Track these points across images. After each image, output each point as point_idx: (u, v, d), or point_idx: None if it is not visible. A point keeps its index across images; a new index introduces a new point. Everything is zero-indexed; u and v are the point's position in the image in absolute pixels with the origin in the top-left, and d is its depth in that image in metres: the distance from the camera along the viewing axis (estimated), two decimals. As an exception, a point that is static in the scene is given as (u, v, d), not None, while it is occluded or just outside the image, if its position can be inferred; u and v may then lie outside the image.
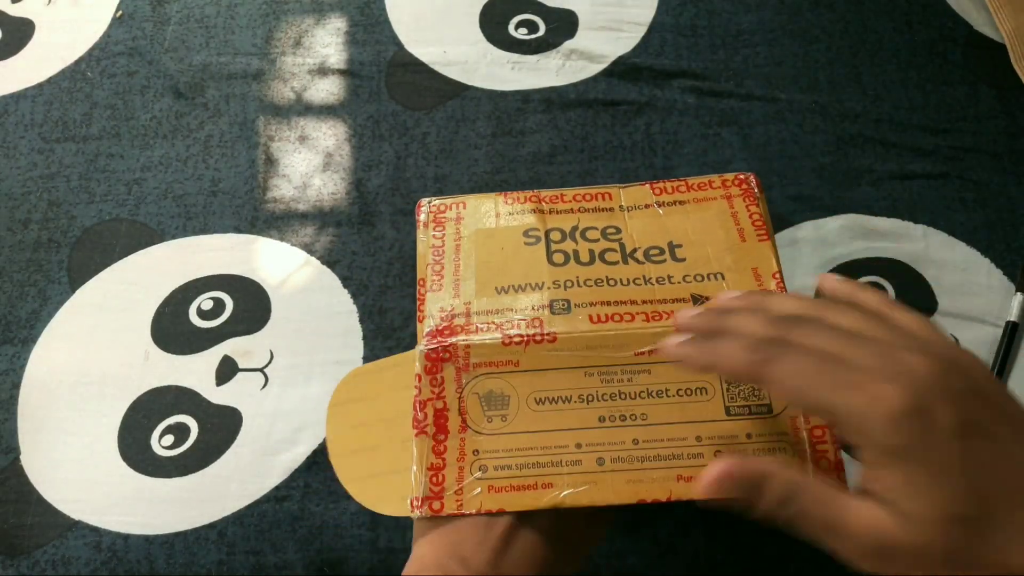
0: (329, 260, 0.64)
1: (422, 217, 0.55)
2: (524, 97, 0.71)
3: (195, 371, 0.60)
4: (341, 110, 0.72)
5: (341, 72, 0.74)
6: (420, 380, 0.46)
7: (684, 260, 0.51)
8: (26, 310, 0.63)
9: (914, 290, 0.62)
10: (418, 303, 0.52)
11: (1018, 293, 0.61)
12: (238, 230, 0.66)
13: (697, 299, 0.48)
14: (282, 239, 0.65)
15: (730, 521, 0.54)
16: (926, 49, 0.74)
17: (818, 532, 0.33)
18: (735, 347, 0.35)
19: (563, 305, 0.48)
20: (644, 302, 0.48)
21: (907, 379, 0.31)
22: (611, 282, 0.50)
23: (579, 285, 0.49)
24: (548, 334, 0.47)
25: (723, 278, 0.49)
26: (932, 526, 0.30)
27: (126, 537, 0.54)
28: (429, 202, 0.55)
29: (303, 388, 0.59)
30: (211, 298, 0.63)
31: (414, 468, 0.44)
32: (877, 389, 0.31)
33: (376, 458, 0.46)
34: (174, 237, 0.66)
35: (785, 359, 0.33)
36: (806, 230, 0.64)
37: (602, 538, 0.46)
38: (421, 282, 0.52)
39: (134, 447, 0.57)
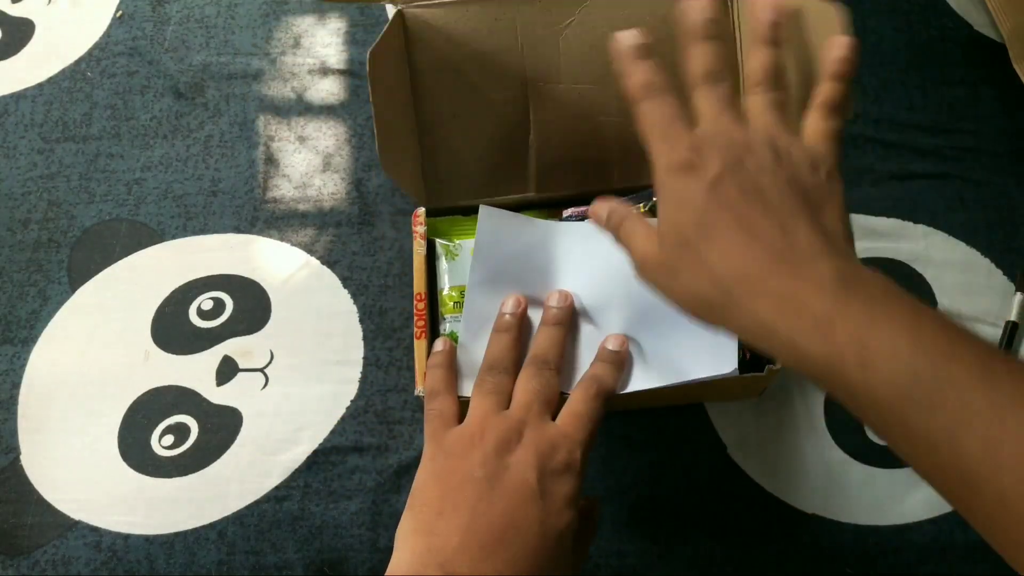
0: (329, 260, 0.64)
1: (419, 229, 0.55)
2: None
3: (195, 371, 0.60)
4: (341, 110, 0.72)
5: (341, 72, 0.74)
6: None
7: None
8: (26, 310, 0.63)
9: (914, 290, 0.62)
10: (416, 318, 0.52)
11: (1018, 293, 0.61)
12: (238, 230, 0.66)
13: None
14: (282, 239, 0.65)
15: (730, 521, 0.54)
16: (926, 49, 0.73)
17: (623, 246, 0.42)
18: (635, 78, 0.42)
19: None
20: None
21: (701, 140, 0.39)
22: None
23: None
24: None
25: None
26: (667, 242, 0.39)
27: (126, 537, 0.54)
28: (425, 212, 0.55)
29: (303, 388, 0.59)
30: (211, 298, 0.63)
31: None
32: (676, 145, 0.39)
33: None
34: (174, 237, 0.66)
35: (649, 103, 0.41)
36: (806, 230, 0.64)
37: (584, 558, 0.47)
38: (419, 296, 0.52)
39: (134, 447, 0.57)
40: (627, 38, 0.42)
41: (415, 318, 0.52)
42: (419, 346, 0.51)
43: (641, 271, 0.41)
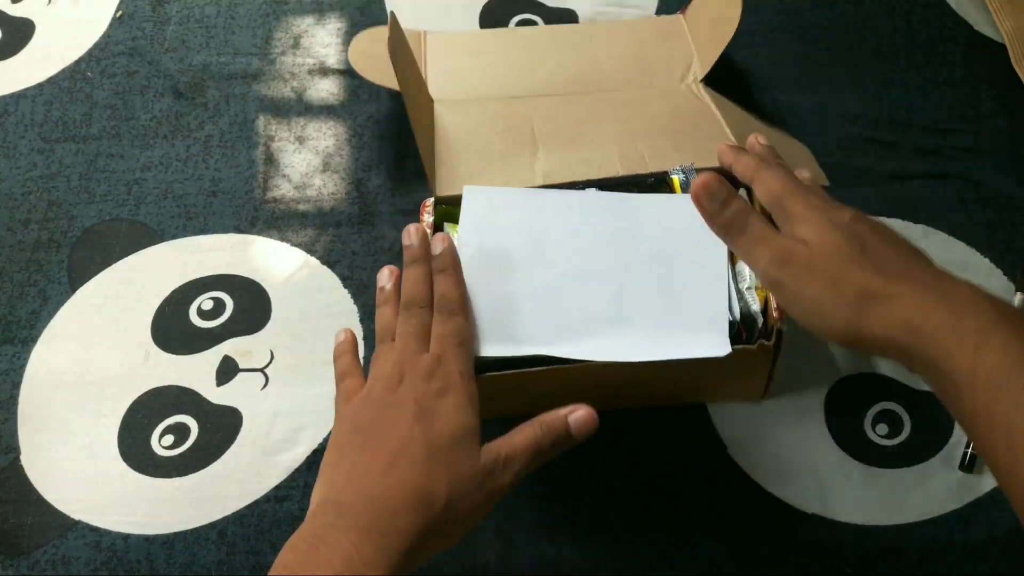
0: (329, 260, 0.64)
1: (427, 218, 0.55)
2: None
3: (195, 371, 0.60)
4: (341, 110, 0.72)
5: (341, 72, 0.74)
6: None
7: None
8: (26, 310, 0.63)
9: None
10: None
11: (1018, 293, 0.61)
12: (238, 230, 0.66)
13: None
14: (282, 239, 0.65)
15: (730, 521, 0.54)
16: (926, 49, 0.74)
17: (750, 242, 0.44)
18: (751, 159, 0.50)
19: None
20: None
21: (834, 201, 0.46)
22: None
23: None
24: None
25: None
26: (815, 247, 0.43)
27: (126, 537, 0.54)
28: (434, 202, 0.56)
29: (303, 388, 0.59)
30: (211, 298, 0.63)
31: None
32: (811, 194, 0.46)
33: None
34: (174, 237, 0.66)
35: (771, 170, 0.48)
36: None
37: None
38: None
39: (134, 447, 0.57)
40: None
41: None
42: None
43: (778, 267, 0.43)
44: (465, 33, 0.73)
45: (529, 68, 0.69)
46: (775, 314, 0.51)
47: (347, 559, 0.39)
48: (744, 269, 0.53)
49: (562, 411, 0.46)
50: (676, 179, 0.56)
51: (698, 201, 0.46)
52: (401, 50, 0.56)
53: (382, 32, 0.56)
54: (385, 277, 0.53)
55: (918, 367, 0.39)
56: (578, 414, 0.45)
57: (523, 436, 0.45)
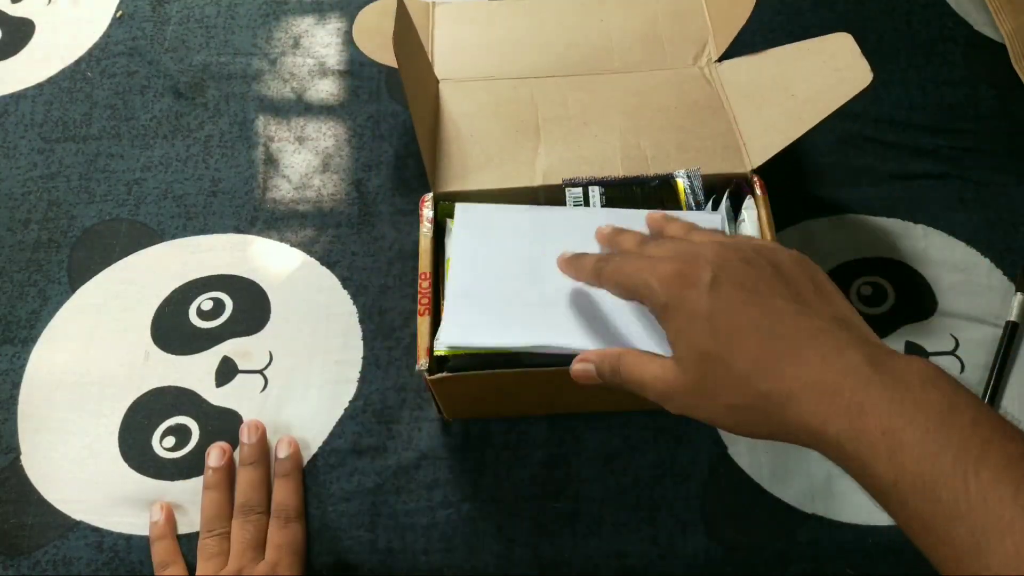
0: (329, 260, 0.64)
1: (426, 213, 0.55)
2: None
3: (195, 372, 0.60)
4: (341, 110, 0.72)
5: (341, 72, 0.74)
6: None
7: None
8: (26, 310, 0.63)
9: (914, 290, 0.62)
10: (419, 296, 0.52)
11: (1018, 293, 0.61)
12: (238, 230, 0.66)
13: None
14: (282, 239, 0.65)
15: (730, 521, 0.54)
16: (926, 49, 0.73)
17: (635, 389, 0.41)
18: (589, 260, 0.45)
19: None
20: None
21: (683, 255, 0.40)
22: None
23: None
24: None
25: None
26: (688, 364, 0.38)
27: (128, 538, 0.54)
28: (433, 197, 0.56)
29: (302, 390, 0.59)
30: (211, 298, 0.63)
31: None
32: (660, 265, 0.40)
33: None
34: (174, 237, 0.66)
35: (611, 263, 0.43)
36: (806, 230, 0.64)
37: None
38: (423, 275, 0.53)
39: (135, 448, 0.57)
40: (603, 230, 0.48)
41: (419, 296, 0.52)
42: (422, 322, 0.51)
43: (669, 402, 0.40)
44: (474, 4, 0.70)
45: (538, 45, 0.67)
46: None
47: None
48: None
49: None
50: (680, 183, 0.56)
51: (583, 384, 0.44)
52: (406, 41, 0.55)
53: (388, 6, 0.55)
54: (215, 457, 0.55)
55: (839, 466, 0.35)
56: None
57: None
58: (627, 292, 0.42)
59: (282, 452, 0.55)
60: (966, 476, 0.30)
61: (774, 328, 0.37)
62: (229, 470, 0.55)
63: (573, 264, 0.47)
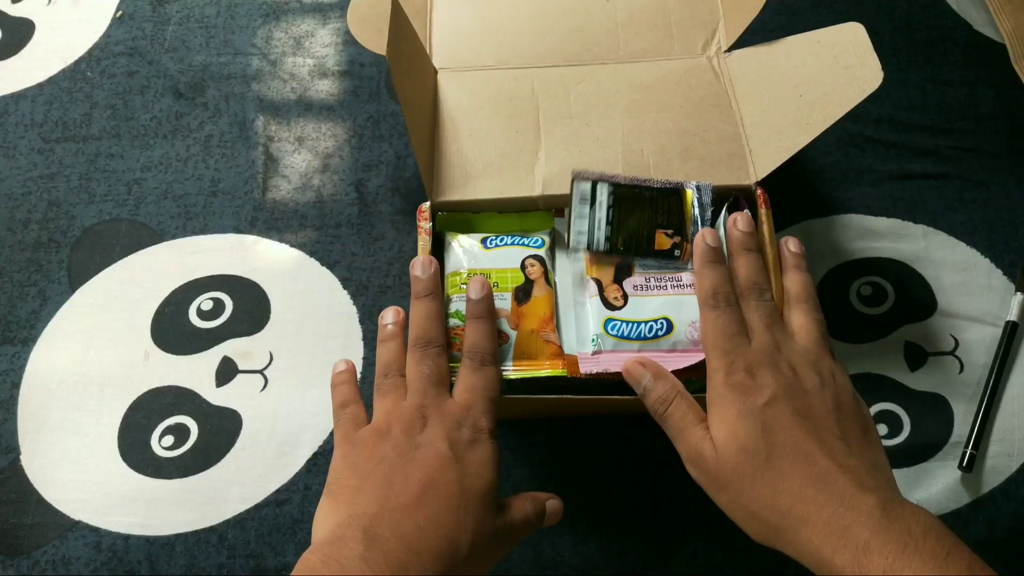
0: (329, 261, 0.64)
1: (424, 225, 0.55)
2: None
3: (195, 372, 0.60)
4: (341, 110, 0.72)
5: (341, 72, 0.74)
6: None
7: None
8: (26, 310, 0.63)
9: (914, 290, 0.62)
10: None
11: (1018, 293, 0.61)
12: (238, 230, 0.66)
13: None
14: (282, 239, 0.65)
15: (730, 521, 0.54)
16: (926, 49, 0.73)
17: (672, 434, 0.46)
18: (708, 283, 0.50)
19: None
20: None
21: (760, 358, 0.45)
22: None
23: None
24: None
25: None
26: (724, 451, 0.42)
27: (126, 538, 0.55)
28: (430, 207, 0.55)
29: (303, 390, 0.59)
30: (211, 298, 0.63)
31: None
32: (737, 359, 0.45)
33: None
34: (174, 237, 0.66)
35: (716, 313, 0.48)
36: (806, 230, 0.64)
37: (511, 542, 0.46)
38: None
39: (134, 447, 0.57)
40: (708, 238, 0.50)
41: None
42: None
43: (694, 470, 0.45)
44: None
45: (541, 28, 0.65)
46: None
47: None
48: None
49: (541, 497, 0.47)
50: (689, 193, 0.55)
51: (629, 382, 0.48)
52: (401, 47, 0.55)
53: None
54: (390, 316, 0.51)
55: None
56: (552, 504, 0.47)
57: (522, 514, 0.45)
58: (706, 346, 0.47)
59: (474, 294, 0.50)
60: None
61: (811, 455, 0.41)
62: (403, 327, 0.51)
63: (703, 272, 0.50)
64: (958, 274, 0.63)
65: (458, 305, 0.51)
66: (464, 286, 0.52)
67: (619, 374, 0.49)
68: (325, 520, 0.43)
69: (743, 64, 0.62)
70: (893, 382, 0.59)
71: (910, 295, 0.62)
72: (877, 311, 0.61)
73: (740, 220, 0.52)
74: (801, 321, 0.48)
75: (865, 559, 0.37)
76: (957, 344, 0.60)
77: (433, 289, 0.50)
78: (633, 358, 0.48)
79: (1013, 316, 0.60)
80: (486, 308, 0.50)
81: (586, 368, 0.50)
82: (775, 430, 0.42)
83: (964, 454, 0.56)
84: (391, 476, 0.43)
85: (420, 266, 0.51)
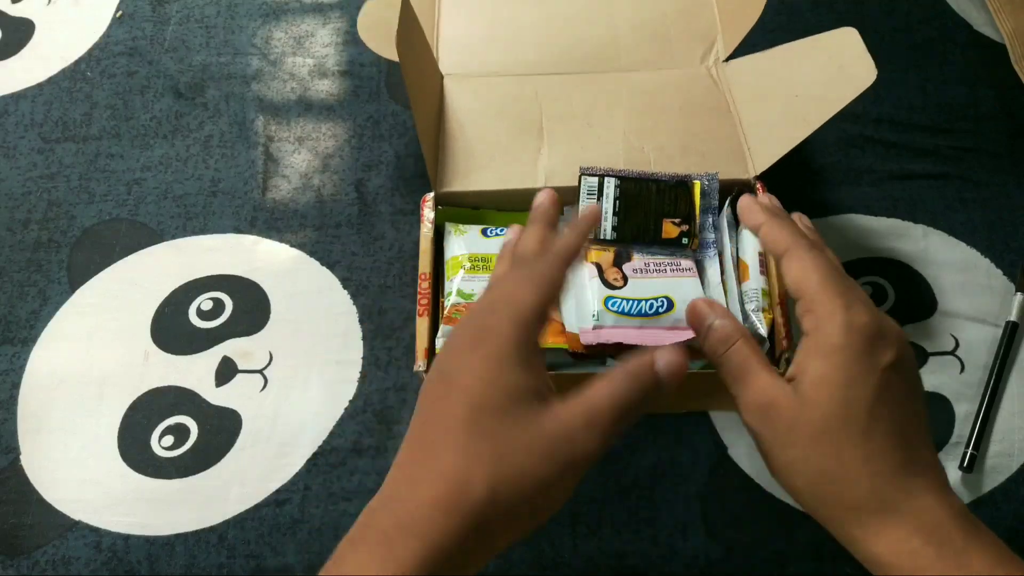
0: (329, 260, 0.64)
1: (427, 213, 0.55)
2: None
3: (195, 372, 0.60)
4: (341, 110, 0.72)
5: (341, 72, 0.74)
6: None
7: None
8: (26, 310, 0.63)
9: (914, 290, 0.62)
10: (419, 297, 0.52)
11: (1018, 293, 0.61)
12: (238, 230, 0.66)
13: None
14: (282, 239, 0.65)
15: (730, 521, 0.54)
16: (926, 49, 0.73)
17: (732, 376, 0.40)
18: (790, 228, 0.43)
19: None
20: None
21: (876, 313, 0.39)
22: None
23: None
24: None
25: None
26: (811, 401, 0.37)
27: (126, 538, 0.54)
28: (434, 197, 0.56)
29: (302, 390, 0.59)
30: (211, 298, 0.63)
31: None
32: (856, 303, 0.38)
33: None
34: (174, 237, 0.66)
35: (815, 252, 0.41)
36: (806, 230, 0.64)
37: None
38: (423, 276, 0.53)
39: (134, 447, 0.57)
40: (763, 197, 0.49)
41: (419, 297, 0.52)
42: (421, 323, 0.51)
43: (758, 416, 0.39)
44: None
45: (545, 38, 0.66)
46: (783, 342, 0.50)
47: None
48: (749, 289, 0.52)
49: (646, 356, 0.37)
50: (698, 184, 0.56)
51: (689, 323, 0.42)
52: (410, 40, 0.55)
53: (394, 0, 0.54)
54: (543, 196, 0.46)
55: None
56: (666, 356, 0.37)
57: (605, 391, 0.36)
58: (802, 287, 0.40)
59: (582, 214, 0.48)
60: None
61: (912, 439, 0.37)
62: (551, 211, 0.46)
63: (766, 218, 0.44)
64: (958, 274, 0.63)
65: (459, 285, 0.52)
66: (465, 266, 0.53)
67: (619, 345, 0.49)
68: None
69: (740, 72, 0.63)
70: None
71: (910, 295, 0.62)
72: (877, 311, 0.61)
73: (765, 197, 0.50)
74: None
75: (964, 560, 0.35)
76: (957, 344, 0.60)
77: (551, 218, 0.45)
78: (700, 298, 0.43)
79: (1013, 316, 0.60)
80: (588, 222, 0.44)
81: (587, 340, 0.50)
82: (886, 401, 0.37)
83: (964, 454, 0.56)
84: (463, 324, 0.41)
85: (542, 196, 0.46)
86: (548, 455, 0.34)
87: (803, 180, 0.67)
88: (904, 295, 0.62)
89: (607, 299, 0.51)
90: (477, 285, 0.52)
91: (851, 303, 0.38)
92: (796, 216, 0.48)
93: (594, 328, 0.50)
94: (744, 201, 0.47)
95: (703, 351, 0.42)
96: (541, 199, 0.46)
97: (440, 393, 0.37)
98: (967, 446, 0.56)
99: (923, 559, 0.35)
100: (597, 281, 0.52)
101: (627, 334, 0.50)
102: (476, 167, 0.58)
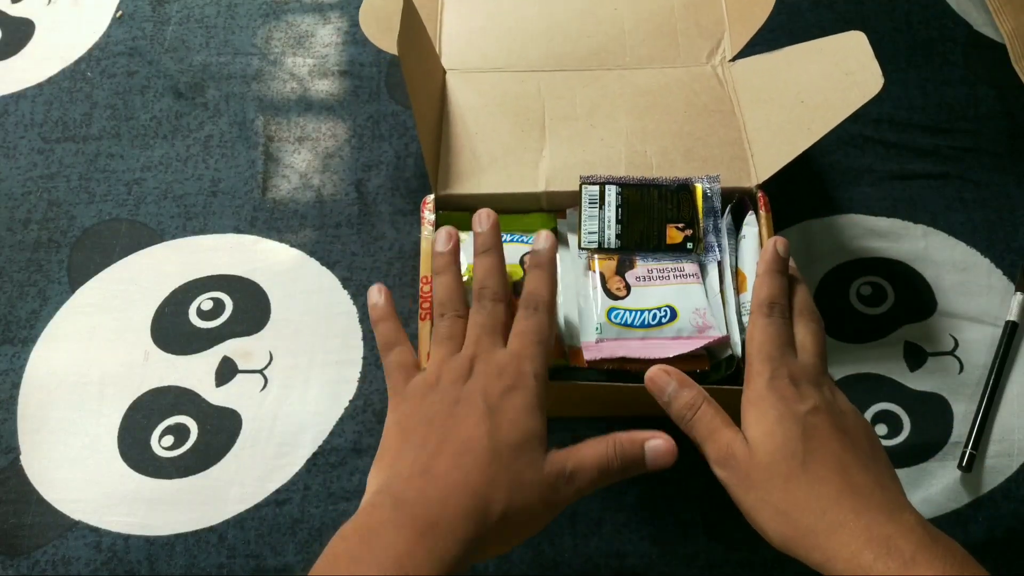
0: (329, 260, 0.64)
1: (428, 216, 0.55)
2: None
3: (195, 371, 0.60)
4: (341, 110, 0.72)
5: (341, 72, 0.74)
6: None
7: None
8: (26, 310, 0.63)
9: (914, 290, 0.62)
10: (420, 300, 0.52)
11: (1018, 293, 0.61)
12: (238, 230, 0.66)
13: None
14: (282, 239, 0.65)
15: (730, 521, 0.54)
16: (926, 49, 0.73)
17: (700, 437, 0.44)
18: (764, 292, 0.48)
19: None
20: None
21: (806, 376, 0.45)
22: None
23: None
24: None
25: None
26: (761, 450, 0.42)
27: (126, 538, 0.54)
28: (434, 199, 0.56)
29: (302, 390, 0.59)
30: (211, 298, 0.63)
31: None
32: (782, 367, 0.45)
33: None
34: (174, 237, 0.66)
35: (768, 321, 0.47)
36: (806, 230, 0.64)
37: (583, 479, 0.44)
38: (424, 280, 0.52)
39: (134, 447, 0.57)
40: (779, 246, 0.49)
41: (421, 300, 0.52)
42: (423, 327, 0.51)
43: (723, 470, 0.43)
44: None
45: (549, 33, 0.65)
46: None
47: (398, 560, 0.38)
48: (746, 301, 0.52)
49: (639, 435, 0.44)
50: (699, 187, 0.55)
51: (650, 391, 0.46)
52: (411, 38, 0.55)
53: None
54: (443, 241, 0.50)
55: None
56: (656, 443, 0.43)
57: (593, 452, 0.43)
58: (751, 350, 0.46)
59: (540, 244, 0.49)
60: None
61: (849, 468, 0.41)
62: (456, 254, 0.50)
63: (766, 279, 0.49)
64: (958, 274, 0.63)
65: None
66: (464, 278, 0.52)
67: (623, 360, 0.49)
68: (369, 484, 0.43)
69: (746, 72, 0.62)
70: (893, 382, 0.59)
71: (910, 295, 0.62)
72: (877, 311, 0.61)
73: (781, 244, 0.51)
74: (812, 337, 0.48)
75: (912, 569, 0.37)
76: (957, 344, 0.60)
77: (493, 243, 0.49)
78: (657, 367, 0.46)
79: (1013, 316, 0.60)
80: (548, 258, 0.49)
81: (590, 355, 0.50)
82: (815, 437, 0.42)
83: (964, 454, 0.56)
84: (427, 437, 0.42)
85: (479, 221, 0.50)
86: (543, 496, 0.41)
87: (803, 180, 0.67)
88: (904, 295, 0.62)
89: (610, 311, 0.51)
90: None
91: (777, 368, 0.44)
92: (773, 241, 0.50)
93: (597, 342, 0.50)
94: (767, 248, 0.50)
95: (671, 416, 0.46)
96: (481, 226, 0.50)
97: (472, 417, 0.42)
98: (966, 446, 0.56)
99: (874, 571, 0.38)
100: (600, 292, 0.52)
101: (630, 346, 0.50)
102: (477, 169, 0.57)
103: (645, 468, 0.43)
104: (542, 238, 0.50)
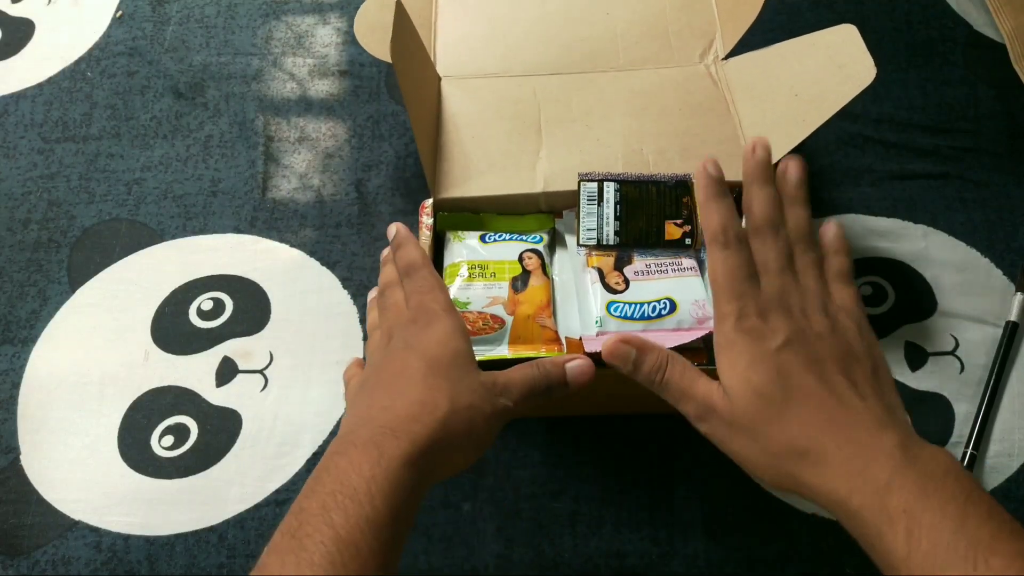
0: (329, 260, 0.64)
1: (426, 220, 0.55)
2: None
3: (195, 371, 0.60)
4: (341, 110, 0.72)
5: (341, 72, 0.74)
6: None
7: None
8: (26, 310, 0.63)
9: (914, 290, 0.62)
10: None
11: (1018, 293, 0.61)
12: (238, 230, 0.66)
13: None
14: (282, 239, 0.65)
15: (730, 521, 0.54)
16: (926, 49, 0.73)
17: (675, 397, 0.44)
18: (715, 219, 0.45)
19: None
20: None
21: (774, 302, 0.43)
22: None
23: None
24: None
25: None
26: (738, 398, 0.41)
27: (126, 538, 0.54)
28: (432, 203, 0.56)
29: (303, 390, 0.59)
30: (211, 298, 0.63)
31: None
32: (750, 303, 0.43)
33: None
34: (174, 237, 0.66)
35: (727, 253, 0.44)
36: (806, 230, 0.64)
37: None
38: None
39: (134, 447, 0.57)
40: (710, 167, 0.46)
41: None
42: None
43: (705, 423, 0.43)
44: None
45: (543, 38, 0.66)
46: None
47: (342, 475, 0.39)
48: None
49: (561, 358, 0.47)
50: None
51: (612, 366, 0.46)
52: (405, 45, 0.55)
53: (388, 0, 0.54)
54: (392, 234, 0.53)
55: (851, 533, 0.39)
56: (576, 363, 0.46)
57: (520, 372, 0.46)
58: (713, 286, 0.44)
59: (391, 234, 0.53)
60: (976, 561, 0.34)
61: (826, 400, 0.40)
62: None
63: (710, 206, 0.45)
64: (958, 274, 0.63)
65: (455, 294, 0.52)
66: (463, 274, 0.53)
67: None
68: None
69: (740, 70, 0.62)
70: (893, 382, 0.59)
71: (910, 295, 0.62)
72: (877, 311, 0.61)
73: (711, 165, 0.47)
74: (803, 261, 0.46)
75: (885, 498, 0.37)
76: (957, 344, 0.60)
77: (407, 237, 0.52)
78: (610, 337, 0.46)
79: (1013, 316, 0.60)
80: (404, 236, 0.51)
81: (590, 347, 0.50)
82: (790, 375, 0.41)
83: (964, 454, 0.56)
84: (375, 385, 0.45)
85: (392, 233, 0.53)
86: (483, 397, 0.43)
87: (803, 180, 0.67)
88: (904, 295, 0.62)
89: (610, 304, 0.51)
90: (473, 293, 0.52)
91: (744, 305, 0.43)
92: (787, 161, 0.48)
93: (597, 334, 0.50)
94: (698, 173, 0.47)
95: (640, 383, 0.45)
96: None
97: (399, 354, 0.45)
98: (967, 446, 0.56)
99: (851, 503, 0.38)
100: (599, 286, 0.52)
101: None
102: (475, 172, 0.57)
103: (568, 388, 0.46)
104: (391, 231, 0.52)
